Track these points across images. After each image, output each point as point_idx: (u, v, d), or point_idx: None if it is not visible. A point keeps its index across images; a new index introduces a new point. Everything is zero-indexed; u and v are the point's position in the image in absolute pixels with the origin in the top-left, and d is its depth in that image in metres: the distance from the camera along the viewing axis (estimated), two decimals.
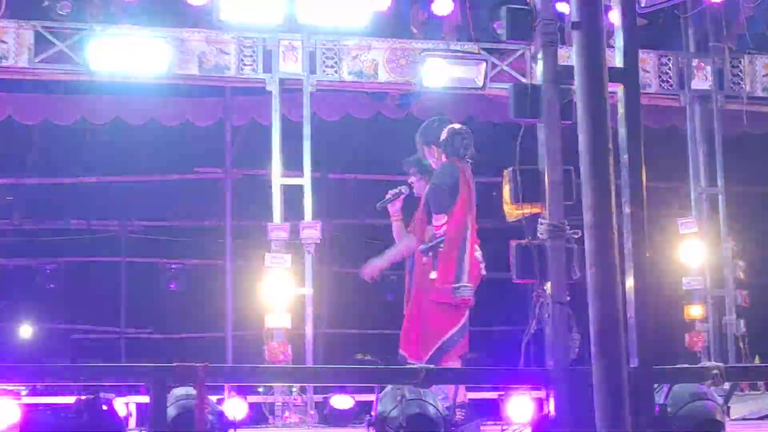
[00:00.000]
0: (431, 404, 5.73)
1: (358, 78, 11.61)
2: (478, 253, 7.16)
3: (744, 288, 12.27)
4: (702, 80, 12.40)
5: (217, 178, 14.85)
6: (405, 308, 7.25)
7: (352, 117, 13.40)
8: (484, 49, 11.62)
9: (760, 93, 12.54)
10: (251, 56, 11.32)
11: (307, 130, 11.41)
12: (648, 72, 12.17)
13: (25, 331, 16.21)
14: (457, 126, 7.30)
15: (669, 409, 5.57)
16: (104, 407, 5.00)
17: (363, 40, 11.55)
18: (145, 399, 5.31)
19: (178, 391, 5.54)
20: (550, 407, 5.35)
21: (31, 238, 15.66)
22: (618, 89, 5.51)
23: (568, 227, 5.31)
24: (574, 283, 5.40)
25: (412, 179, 7.44)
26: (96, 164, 14.70)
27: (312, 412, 10.77)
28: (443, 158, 7.24)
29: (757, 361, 11.89)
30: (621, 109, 5.50)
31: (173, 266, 15.99)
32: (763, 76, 12.56)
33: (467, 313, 7.05)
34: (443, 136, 7.21)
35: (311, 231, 11.02)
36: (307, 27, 11.23)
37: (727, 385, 6.40)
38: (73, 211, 15.65)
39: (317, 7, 11.01)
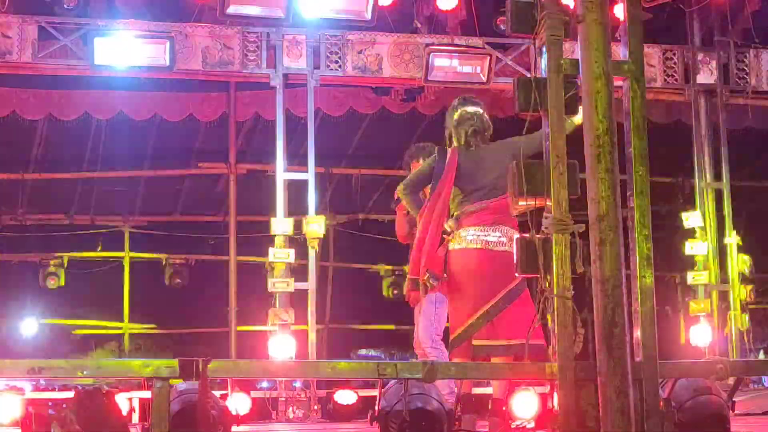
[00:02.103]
0: (435, 399, 5.71)
1: (362, 73, 11.59)
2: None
3: (749, 283, 12.25)
4: (707, 74, 12.37)
5: (220, 173, 14.85)
6: None
7: (356, 112, 13.39)
8: (489, 44, 11.60)
9: (765, 87, 12.51)
10: (255, 51, 11.31)
11: (311, 125, 11.41)
12: (653, 66, 12.13)
13: (29, 326, 16.25)
14: (470, 109, 6.66)
15: (673, 404, 5.54)
16: (105, 399, 4.98)
17: (367, 35, 11.54)
18: (147, 394, 5.28)
19: (181, 385, 5.52)
20: (554, 402, 5.32)
21: (34, 233, 15.67)
22: (623, 83, 5.48)
23: (572, 221, 5.28)
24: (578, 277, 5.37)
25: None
26: (99, 159, 14.72)
27: (316, 407, 10.77)
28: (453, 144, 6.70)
29: (761, 356, 11.88)
30: (626, 103, 5.48)
31: (177, 261, 16.01)
32: None
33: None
34: (455, 120, 6.68)
35: (315, 226, 11.00)
36: (312, 22, 11.21)
37: (731, 380, 6.38)
38: (77, 206, 15.67)
39: (321, 2, 10.99)
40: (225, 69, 11.32)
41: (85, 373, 5.17)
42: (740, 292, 12.12)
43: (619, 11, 5.69)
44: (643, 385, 5.20)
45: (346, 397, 10.43)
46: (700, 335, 12.09)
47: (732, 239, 12.28)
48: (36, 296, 16.01)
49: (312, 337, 10.99)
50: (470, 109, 6.66)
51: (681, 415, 5.59)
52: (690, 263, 12.25)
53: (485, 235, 6.40)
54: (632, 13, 5.57)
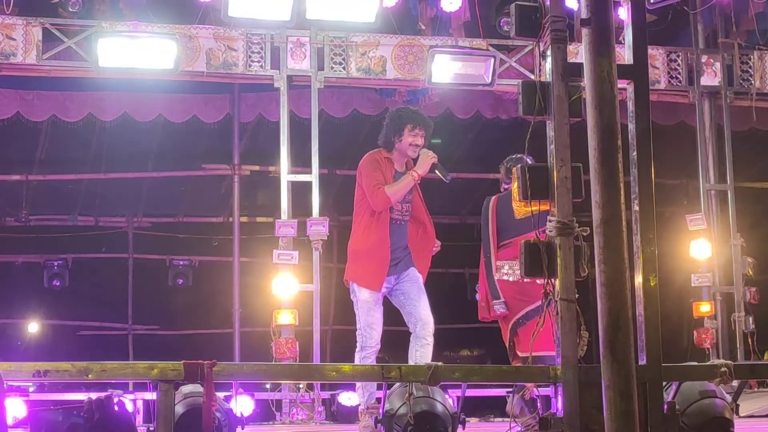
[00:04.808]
0: (439, 402, 5.72)
1: (366, 74, 11.60)
2: None
3: (753, 284, 12.23)
4: (711, 76, 12.36)
5: (224, 174, 14.85)
6: None
7: (359, 113, 13.39)
8: (492, 46, 11.60)
9: None
10: (259, 53, 11.32)
11: (314, 127, 11.40)
12: (657, 68, 12.13)
13: (33, 327, 16.26)
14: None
15: (677, 407, 5.55)
16: (116, 407, 4.98)
17: (371, 37, 11.53)
18: (151, 396, 5.29)
19: (186, 388, 5.53)
20: (558, 405, 5.33)
21: (38, 234, 15.69)
22: (627, 86, 5.49)
23: (576, 224, 5.28)
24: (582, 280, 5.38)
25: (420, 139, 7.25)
26: (103, 161, 14.73)
27: (319, 409, 10.77)
28: None
29: (766, 358, 11.86)
30: (630, 106, 5.48)
31: (180, 263, 16.01)
32: None
33: None
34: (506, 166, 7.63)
35: (319, 227, 11.00)
36: (315, 23, 11.21)
37: (735, 383, 6.38)
38: (81, 208, 15.68)
39: (325, 4, 10.98)
40: (229, 71, 11.32)
41: (90, 376, 5.18)
42: (744, 294, 12.09)
43: (623, 14, 5.70)
44: (647, 388, 5.21)
45: (350, 399, 10.43)
46: (703, 337, 12.07)
47: (736, 241, 12.27)
48: (40, 297, 16.01)
49: (316, 338, 10.98)
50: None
51: (685, 418, 5.59)
52: (694, 265, 12.23)
53: (516, 268, 7.00)
54: (636, 16, 5.57)
